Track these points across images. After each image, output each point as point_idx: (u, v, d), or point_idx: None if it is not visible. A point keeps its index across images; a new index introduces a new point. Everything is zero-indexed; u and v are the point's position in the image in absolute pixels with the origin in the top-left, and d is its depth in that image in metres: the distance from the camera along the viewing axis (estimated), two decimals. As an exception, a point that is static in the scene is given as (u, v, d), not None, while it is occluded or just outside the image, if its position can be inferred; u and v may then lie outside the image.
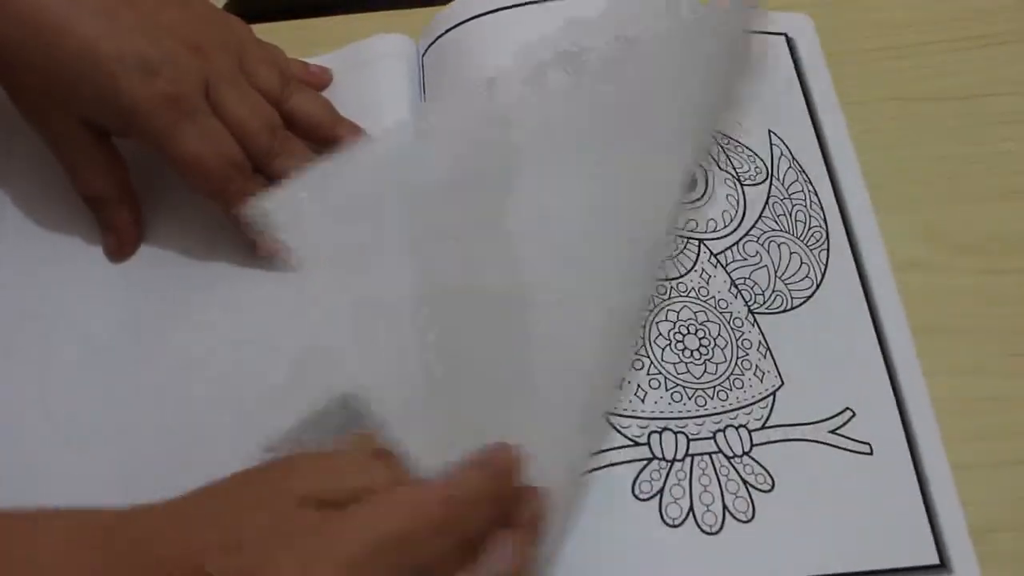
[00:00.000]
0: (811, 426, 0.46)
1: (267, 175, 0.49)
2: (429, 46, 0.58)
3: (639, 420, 0.45)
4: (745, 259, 0.50)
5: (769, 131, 0.55)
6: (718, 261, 0.50)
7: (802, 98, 0.56)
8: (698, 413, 0.46)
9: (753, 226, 0.52)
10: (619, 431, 0.45)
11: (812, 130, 0.55)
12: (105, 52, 0.44)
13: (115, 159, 0.50)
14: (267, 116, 0.49)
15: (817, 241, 0.51)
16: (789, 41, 0.58)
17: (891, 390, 0.47)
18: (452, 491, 0.36)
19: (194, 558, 0.33)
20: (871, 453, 0.45)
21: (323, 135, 0.52)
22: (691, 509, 0.43)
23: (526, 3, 0.57)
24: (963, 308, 0.50)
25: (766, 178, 0.53)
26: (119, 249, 0.51)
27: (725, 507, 0.43)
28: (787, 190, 0.53)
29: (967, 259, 0.51)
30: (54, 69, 0.45)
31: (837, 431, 0.46)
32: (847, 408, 0.46)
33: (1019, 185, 0.53)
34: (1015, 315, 0.50)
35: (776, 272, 0.50)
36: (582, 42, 0.48)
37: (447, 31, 0.57)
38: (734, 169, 0.53)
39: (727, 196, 0.52)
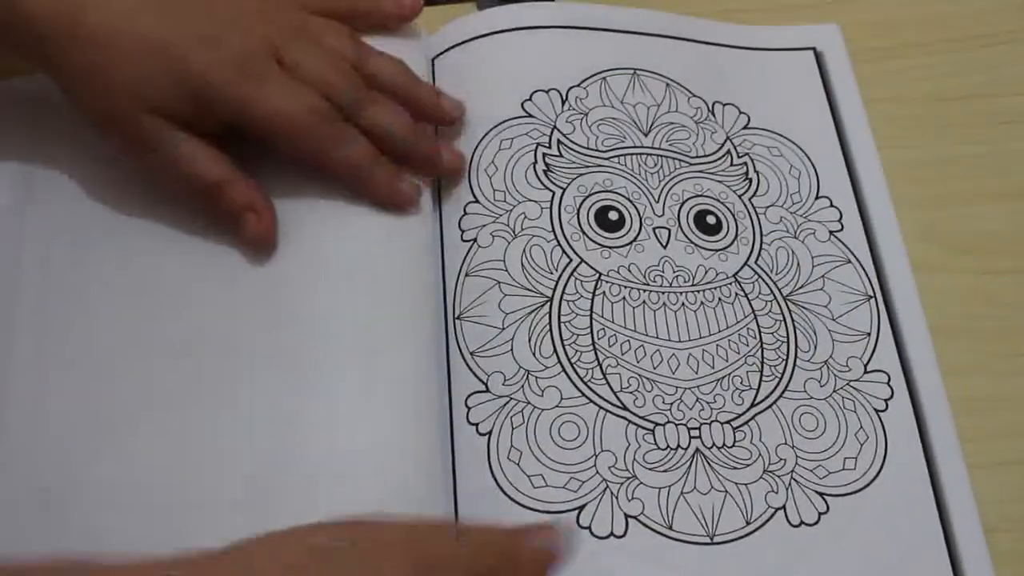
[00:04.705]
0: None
1: (362, 128, 0.49)
2: (446, 50, 0.55)
3: None
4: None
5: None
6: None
7: (831, 117, 0.54)
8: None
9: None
10: None
11: (840, 152, 0.53)
12: (169, 40, 0.46)
13: (212, 143, 0.48)
14: (346, 70, 0.49)
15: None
16: (818, 56, 0.56)
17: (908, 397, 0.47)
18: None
19: None
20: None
21: (411, 100, 0.51)
22: None
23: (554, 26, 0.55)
24: (962, 308, 0.50)
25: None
26: (259, 223, 0.47)
27: None
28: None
29: (966, 259, 0.51)
30: (129, 73, 0.46)
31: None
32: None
33: (1019, 185, 0.53)
34: (1014, 315, 0.50)
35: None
36: None
37: (465, 41, 0.55)
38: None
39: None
